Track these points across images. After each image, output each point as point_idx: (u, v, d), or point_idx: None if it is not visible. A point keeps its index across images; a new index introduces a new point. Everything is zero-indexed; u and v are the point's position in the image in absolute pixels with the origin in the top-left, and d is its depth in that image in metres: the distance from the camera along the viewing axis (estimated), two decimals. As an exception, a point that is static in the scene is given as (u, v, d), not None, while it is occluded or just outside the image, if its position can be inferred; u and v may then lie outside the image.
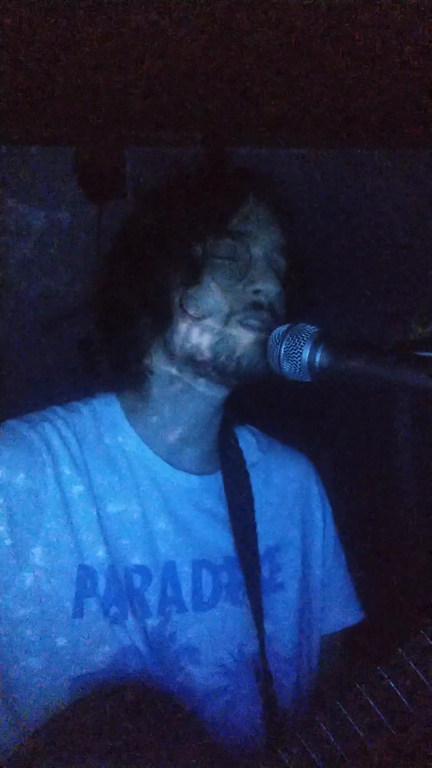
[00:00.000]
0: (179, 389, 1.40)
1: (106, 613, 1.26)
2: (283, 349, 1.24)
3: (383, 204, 2.70)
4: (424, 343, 1.12)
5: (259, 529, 1.44)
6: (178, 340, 1.37)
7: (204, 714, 1.26)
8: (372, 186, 2.68)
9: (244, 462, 1.51)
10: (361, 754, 1.09)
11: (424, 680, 1.08)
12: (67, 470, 1.32)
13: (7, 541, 1.26)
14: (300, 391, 1.32)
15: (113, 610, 1.27)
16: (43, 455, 1.31)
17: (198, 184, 1.45)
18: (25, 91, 2.20)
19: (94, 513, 1.31)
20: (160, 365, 1.41)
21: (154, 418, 1.42)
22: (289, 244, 1.44)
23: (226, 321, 1.34)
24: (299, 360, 1.21)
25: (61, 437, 1.35)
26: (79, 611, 1.25)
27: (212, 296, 1.35)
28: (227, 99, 2.24)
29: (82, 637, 1.25)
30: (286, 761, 1.11)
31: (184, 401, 1.41)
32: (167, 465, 1.40)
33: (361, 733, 1.09)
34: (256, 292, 1.35)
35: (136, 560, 1.31)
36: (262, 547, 1.43)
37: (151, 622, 1.29)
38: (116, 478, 1.36)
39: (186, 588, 1.33)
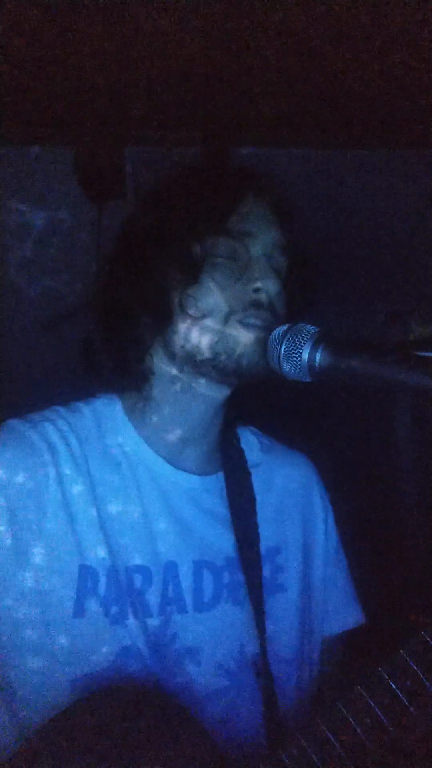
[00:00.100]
0: (180, 389, 1.40)
1: (106, 613, 1.26)
2: (283, 349, 1.24)
3: (383, 204, 2.70)
4: (424, 343, 1.11)
5: (261, 529, 1.44)
6: (178, 340, 1.37)
7: (204, 715, 1.25)
8: (372, 186, 2.68)
9: (245, 462, 1.51)
10: (362, 754, 1.09)
11: (425, 681, 1.08)
12: (68, 470, 1.32)
13: (8, 542, 1.26)
14: (300, 391, 1.32)
15: (114, 610, 1.27)
16: (45, 455, 1.31)
17: (196, 184, 1.44)
18: (25, 91, 2.20)
19: (95, 513, 1.31)
20: (161, 365, 1.41)
21: (155, 419, 1.42)
22: (290, 242, 1.44)
23: (226, 320, 1.34)
24: (299, 360, 1.21)
25: (63, 437, 1.35)
26: (79, 611, 1.25)
27: (211, 296, 1.34)
28: (227, 99, 2.24)
29: (82, 637, 1.24)
30: (286, 761, 1.11)
31: (184, 401, 1.40)
32: (168, 465, 1.40)
33: (361, 734, 1.09)
34: (256, 290, 1.35)
35: (137, 560, 1.31)
36: (263, 548, 1.43)
37: (152, 623, 1.29)
38: (117, 478, 1.36)
39: (187, 588, 1.33)
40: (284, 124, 2.41)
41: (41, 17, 1.81)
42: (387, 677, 1.09)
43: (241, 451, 1.53)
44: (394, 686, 1.09)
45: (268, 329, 1.33)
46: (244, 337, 1.33)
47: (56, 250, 2.65)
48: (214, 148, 2.43)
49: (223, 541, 1.39)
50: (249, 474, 1.49)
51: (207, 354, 1.34)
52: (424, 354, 1.09)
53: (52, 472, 1.30)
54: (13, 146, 2.58)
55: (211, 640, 1.32)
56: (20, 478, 1.28)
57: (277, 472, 1.55)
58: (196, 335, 1.34)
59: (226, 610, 1.35)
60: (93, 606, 1.26)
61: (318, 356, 1.19)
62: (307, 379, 1.23)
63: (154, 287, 1.38)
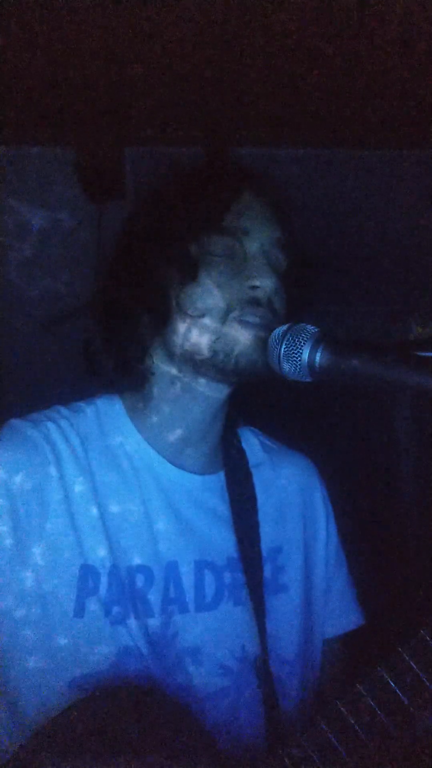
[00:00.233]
0: (180, 389, 1.40)
1: (107, 613, 1.26)
2: (283, 349, 1.24)
3: (383, 204, 2.71)
4: (424, 343, 1.11)
5: (262, 529, 1.44)
6: (177, 339, 1.36)
7: (205, 715, 1.25)
8: (372, 186, 2.69)
9: (246, 462, 1.51)
10: (362, 753, 1.09)
11: (424, 679, 1.08)
12: (69, 469, 1.32)
13: (9, 541, 1.25)
14: (300, 391, 1.32)
15: (115, 610, 1.26)
16: (47, 455, 1.31)
17: (192, 183, 1.44)
18: (25, 91, 2.20)
19: (97, 512, 1.30)
20: (161, 365, 1.41)
21: (156, 418, 1.41)
22: (288, 239, 1.43)
23: (224, 318, 1.33)
24: (299, 360, 1.21)
25: (65, 437, 1.35)
26: (80, 611, 1.25)
27: (209, 294, 1.34)
28: (227, 99, 2.24)
29: (83, 637, 1.24)
30: (287, 761, 1.11)
31: (185, 401, 1.40)
32: (170, 465, 1.39)
33: (361, 733, 1.09)
34: (253, 288, 1.34)
35: (139, 560, 1.31)
36: (264, 548, 1.42)
37: (153, 622, 1.28)
38: (119, 478, 1.36)
39: (188, 588, 1.33)
40: (284, 124, 2.41)
41: (41, 18, 1.81)
42: (386, 676, 1.09)
43: (242, 451, 1.52)
44: (393, 685, 1.09)
45: (266, 327, 1.32)
46: (242, 336, 1.33)
47: (56, 250, 2.65)
48: (214, 148, 2.43)
49: (224, 541, 1.39)
50: (250, 474, 1.49)
51: (206, 353, 1.34)
52: (424, 354, 1.09)
53: (53, 471, 1.30)
54: (13, 146, 2.58)
55: (212, 640, 1.32)
56: (22, 478, 1.28)
57: (279, 473, 1.55)
58: (195, 334, 1.34)
59: (227, 610, 1.35)
60: (93, 606, 1.26)
61: (318, 356, 1.19)
62: (307, 379, 1.23)
63: (152, 287, 1.38)
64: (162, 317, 1.37)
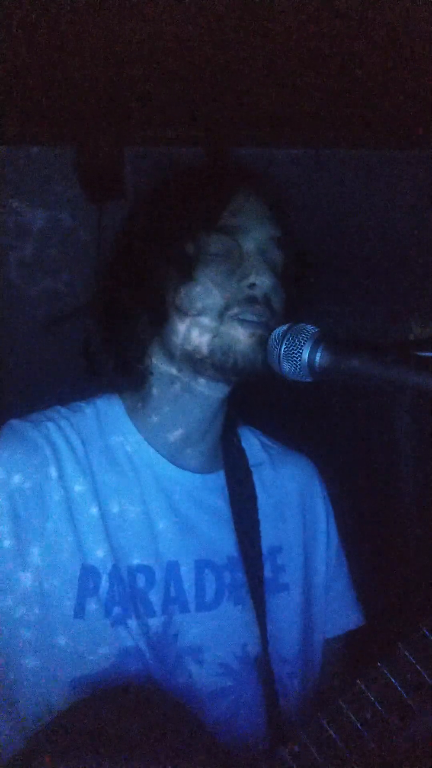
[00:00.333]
0: (180, 389, 1.40)
1: (108, 613, 1.26)
2: (283, 349, 1.24)
3: (383, 204, 2.71)
4: (424, 343, 1.11)
5: (262, 528, 1.44)
6: (175, 338, 1.36)
7: (207, 714, 1.25)
8: (372, 186, 2.69)
9: (246, 461, 1.51)
10: (363, 749, 1.09)
11: (425, 675, 1.08)
12: (70, 470, 1.32)
13: (8, 542, 1.25)
14: (300, 391, 1.32)
15: (116, 610, 1.26)
16: (47, 455, 1.31)
17: (188, 182, 1.44)
18: (25, 91, 2.20)
19: (97, 512, 1.30)
20: (160, 365, 1.41)
21: (156, 418, 1.41)
22: (285, 237, 1.43)
23: (221, 317, 1.33)
24: (299, 360, 1.21)
25: (65, 437, 1.35)
26: (80, 612, 1.25)
27: (206, 293, 1.34)
28: (227, 99, 2.24)
29: (83, 638, 1.24)
30: (288, 759, 1.11)
31: (184, 401, 1.40)
32: (170, 464, 1.39)
33: (362, 729, 1.09)
34: (251, 285, 1.34)
35: (140, 560, 1.31)
36: (264, 547, 1.42)
37: (154, 622, 1.28)
38: (119, 478, 1.36)
39: (189, 588, 1.33)
40: (284, 124, 2.41)
41: (41, 17, 1.81)
42: (387, 672, 1.09)
43: (242, 450, 1.52)
44: (393, 681, 1.09)
45: (264, 325, 1.32)
46: (240, 334, 1.32)
47: (56, 250, 2.65)
48: (214, 148, 2.43)
49: (224, 540, 1.39)
50: (250, 473, 1.49)
51: (204, 352, 1.34)
52: (424, 354, 1.09)
53: (53, 471, 1.30)
54: (13, 146, 2.58)
55: (213, 640, 1.32)
56: (21, 478, 1.28)
57: (279, 472, 1.55)
58: (193, 333, 1.34)
59: (228, 610, 1.35)
60: (94, 607, 1.25)
61: (318, 356, 1.19)
62: (308, 379, 1.23)
63: (149, 286, 1.38)
64: (160, 317, 1.37)
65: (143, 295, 1.38)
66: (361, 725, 1.09)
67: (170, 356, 1.38)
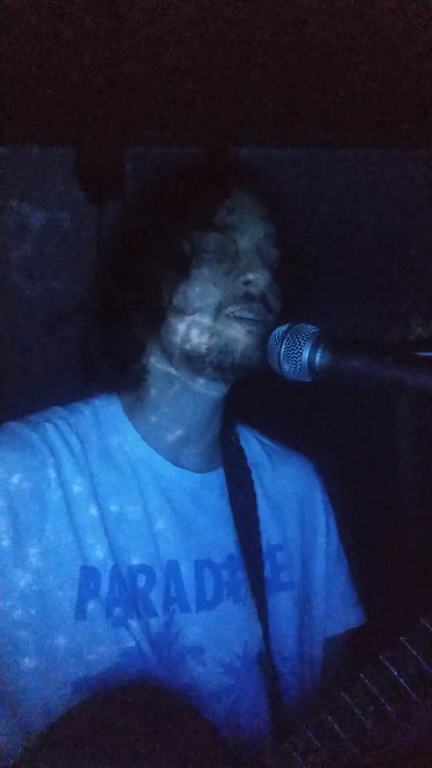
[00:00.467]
0: (178, 389, 1.40)
1: (109, 614, 1.26)
2: (283, 349, 1.23)
3: (383, 204, 2.71)
4: (424, 343, 1.11)
5: (261, 526, 1.44)
6: (172, 337, 1.36)
7: (210, 713, 1.24)
8: (372, 186, 2.69)
9: (245, 459, 1.51)
10: (368, 742, 1.09)
11: (426, 667, 1.08)
12: (68, 470, 1.32)
13: (6, 542, 1.25)
14: (300, 391, 1.32)
15: (117, 611, 1.26)
16: (45, 456, 1.31)
17: (183, 180, 1.44)
18: (25, 91, 2.21)
19: (97, 512, 1.30)
20: (158, 365, 1.41)
21: (155, 418, 1.41)
22: (280, 234, 1.43)
23: (217, 315, 1.33)
24: (299, 360, 1.21)
25: (63, 437, 1.35)
26: (81, 613, 1.25)
27: (202, 291, 1.34)
28: (227, 99, 2.24)
29: (84, 640, 1.24)
30: (293, 753, 1.11)
31: (184, 400, 1.40)
32: (169, 464, 1.39)
33: (366, 722, 1.09)
34: (246, 283, 1.34)
35: (140, 560, 1.31)
36: (264, 545, 1.42)
37: (156, 622, 1.28)
38: (118, 478, 1.35)
39: (189, 587, 1.33)
40: (284, 124, 2.41)
41: (42, 18, 1.81)
42: (389, 665, 1.09)
43: (240, 449, 1.52)
44: (396, 673, 1.09)
45: (261, 322, 1.32)
46: (236, 332, 1.32)
47: (56, 250, 2.65)
48: (215, 148, 2.43)
49: (224, 539, 1.39)
50: (249, 471, 1.49)
51: (201, 350, 1.34)
52: (424, 354, 1.09)
53: (52, 472, 1.30)
54: (13, 146, 2.58)
55: (214, 639, 1.31)
56: (20, 479, 1.28)
57: (278, 471, 1.55)
58: (190, 332, 1.34)
59: (228, 609, 1.35)
60: (94, 608, 1.25)
61: (318, 356, 1.19)
62: (307, 379, 1.23)
63: (145, 285, 1.38)
64: (156, 316, 1.36)
65: (139, 294, 1.38)
66: (364, 718, 1.09)
67: (168, 355, 1.38)
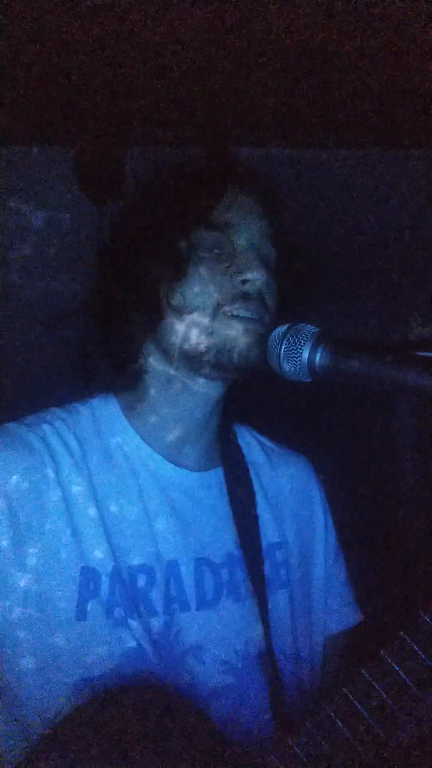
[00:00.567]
0: (178, 388, 1.40)
1: (109, 615, 1.26)
2: (283, 349, 1.24)
3: (383, 204, 2.71)
4: (424, 343, 1.12)
5: (260, 525, 1.44)
6: (170, 337, 1.36)
7: (211, 712, 1.25)
8: (372, 186, 2.69)
9: (243, 458, 1.51)
10: (371, 738, 1.09)
11: (428, 662, 1.08)
12: (67, 470, 1.32)
13: (5, 542, 1.25)
14: (300, 391, 1.32)
15: (117, 611, 1.26)
16: (43, 456, 1.31)
17: (179, 179, 1.44)
18: (25, 91, 2.21)
19: (96, 513, 1.30)
20: (156, 364, 1.41)
21: (153, 417, 1.41)
22: (277, 232, 1.43)
23: (215, 314, 1.33)
24: (299, 360, 1.21)
25: (61, 438, 1.35)
26: (81, 614, 1.25)
27: (199, 290, 1.34)
28: (227, 99, 2.24)
29: (84, 640, 1.24)
30: (297, 750, 1.12)
31: (183, 400, 1.40)
32: (168, 463, 1.39)
33: (368, 718, 1.09)
34: (244, 282, 1.34)
35: (140, 560, 1.31)
36: (263, 543, 1.43)
37: (156, 622, 1.28)
38: (117, 478, 1.36)
39: (189, 587, 1.33)
40: (284, 124, 2.41)
41: (42, 18, 1.81)
42: (390, 660, 1.10)
43: (238, 448, 1.52)
44: (397, 668, 1.09)
45: (258, 321, 1.33)
46: (234, 330, 1.32)
47: (56, 250, 2.65)
48: (214, 148, 2.43)
49: (223, 538, 1.39)
50: (247, 470, 1.49)
51: (199, 349, 1.34)
52: (424, 354, 1.09)
53: (51, 472, 1.30)
54: (13, 146, 2.58)
55: (214, 638, 1.32)
56: (19, 479, 1.28)
57: (276, 470, 1.55)
58: (187, 331, 1.34)
59: (227, 607, 1.35)
60: (95, 609, 1.25)
61: (318, 356, 1.19)
62: (307, 379, 1.23)
63: (142, 285, 1.38)
64: (154, 315, 1.36)
65: (137, 294, 1.38)
66: (367, 713, 1.09)
67: (166, 355, 1.38)
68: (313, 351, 1.19)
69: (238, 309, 1.33)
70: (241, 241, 1.37)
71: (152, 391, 1.41)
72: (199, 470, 1.42)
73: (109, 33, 1.88)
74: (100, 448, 1.38)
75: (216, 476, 1.44)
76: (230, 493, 1.43)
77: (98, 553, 1.27)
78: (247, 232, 1.38)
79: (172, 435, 1.41)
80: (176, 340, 1.35)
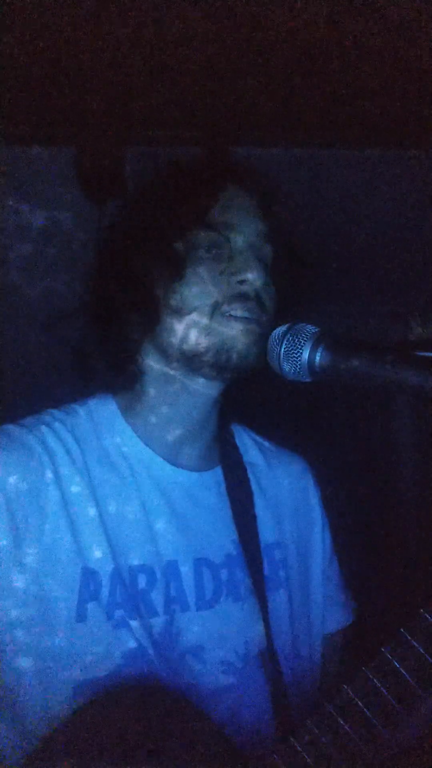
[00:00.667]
0: (175, 388, 1.40)
1: (109, 616, 1.25)
2: (283, 349, 1.24)
3: (383, 204, 2.70)
4: (424, 343, 1.12)
5: (259, 525, 1.44)
6: (167, 337, 1.36)
7: (212, 712, 1.25)
8: (372, 186, 2.68)
9: (240, 457, 1.51)
10: (374, 735, 1.10)
11: (428, 658, 1.09)
12: (66, 471, 1.32)
13: (3, 541, 1.25)
14: (300, 391, 1.32)
15: (118, 613, 1.26)
16: (42, 457, 1.31)
17: (176, 180, 1.44)
18: (25, 91, 2.20)
19: (96, 513, 1.30)
20: (153, 364, 1.41)
21: (151, 417, 1.41)
22: (274, 231, 1.43)
23: (213, 314, 1.33)
24: (299, 360, 1.21)
25: (60, 439, 1.35)
26: (82, 616, 1.24)
27: (196, 290, 1.34)
28: (227, 99, 2.24)
29: (85, 642, 1.23)
30: (299, 749, 1.12)
31: (180, 400, 1.40)
32: (166, 463, 1.39)
33: (369, 715, 1.10)
34: (241, 282, 1.35)
35: (140, 560, 1.31)
36: (262, 543, 1.43)
37: (157, 622, 1.28)
38: (116, 478, 1.36)
39: (188, 587, 1.33)
40: (284, 124, 2.41)
41: (41, 17, 1.81)
42: (391, 657, 1.10)
43: (236, 447, 1.53)
44: (398, 665, 1.09)
45: (256, 321, 1.33)
46: (232, 331, 1.32)
47: (56, 250, 2.65)
48: (213, 148, 2.43)
49: (222, 538, 1.39)
50: (245, 469, 1.49)
51: (198, 349, 1.34)
52: (424, 354, 1.09)
53: (50, 473, 1.30)
54: (13, 146, 2.58)
55: (214, 638, 1.32)
56: (17, 480, 1.28)
57: (273, 470, 1.55)
58: (185, 332, 1.34)
59: (227, 607, 1.35)
60: (95, 610, 1.25)
61: (318, 356, 1.19)
62: (307, 379, 1.23)
63: (140, 285, 1.38)
64: (151, 315, 1.37)
65: (134, 294, 1.38)
66: (369, 711, 1.10)
67: (163, 354, 1.38)
68: (313, 351, 1.20)
69: (236, 309, 1.33)
70: (238, 241, 1.37)
71: (151, 391, 1.41)
72: (197, 470, 1.42)
73: (110, 33, 1.87)
74: (99, 448, 1.38)
75: (215, 476, 1.44)
76: (229, 494, 1.43)
77: (98, 553, 1.27)
78: (245, 232, 1.38)
79: (171, 435, 1.41)
80: (175, 340, 1.35)
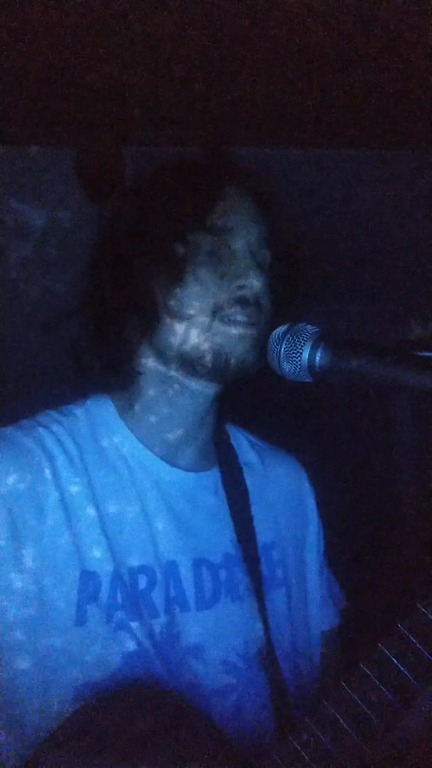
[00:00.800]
0: (171, 389, 1.39)
1: (110, 618, 1.25)
2: (283, 349, 1.23)
3: (384, 204, 2.71)
4: (424, 343, 1.12)
5: (256, 525, 1.44)
6: (165, 339, 1.36)
7: (213, 712, 1.25)
8: (372, 186, 2.69)
9: (236, 457, 1.51)
10: (373, 732, 1.09)
11: (425, 653, 1.08)
12: (65, 471, 1.31)
13: (2, 541, 1.24)
14: (300, 391, 1.32)
15: (118, 614, 1.25)
16: (40, 458, 1.30)
17: (175, 181, 1.43)
18: (25, 91, 2.21)
19: (95, 513, 1.30)
20: (151, 366, 1.40)
21: (148, 418, 1.41)
22: (273, 235, 1.43)
23: (212, 318, 1.33)
24: (299, 360, 1.21)
25: (58, 440, 1.34)
26: (82, 618, 1.24)
27: (196, 294, 1.33)
28: (227, 99, 2.25)
29: (85, 643, 1.23)
30: (299, 748, 1.11)
31: (179, 400, 1.40)
32: (165, 464, 1.39)
33: (368, 711, 1.09)
34: (240, 287, 1.34)
35: (140, 561, 1.31)
36: (259, 543, 1.43)
37: (158, 623, 1.28)
38: (115, 479, 1.35)
39: (188, 587, 1.33)
40: (284, 124, 2.41)
41: (42, 19, 1.81)
42: (388, 653, 1.10)
43: (231, 447, 1.53)
44: (395, 661, 1.09)
45: (254, 325, 1.32)
46: (230, 335, 1.32)
47: (56, 250, 2.65)
48: (213, 149, 2.43)
49: (221, 538, 1.39)
50: (241, 470, 1.49)
51: (195, 353, 1.34)
52: (424, 354, 1.09)
53: (48, 474, 1.30)
54: (13, 146, 2.58)
55: (214, 638, 1.31)
56: (16, 480, 1.27)
57: (268, 470, 1.55)
58: (184, 335, 1.34)
59: (226, 607, 1.35)
60: (95, 612, 1.24)
61: (318, 356, 1.19)
62: (307, 379, 1.23)
63: (138, 288, 1.37)
64: (149, 318, 1.36)
65: (132, 297, 1.38)
66: (368, 708, 1.09)
67: (161, 356, 1.38)
68: (313, 351, 1.19)
69: (235, 314, 1.32)
70: (238, 245, 1.37)
71: (149, 392, 1.41)
72: (195, 471, 1.42)
73: (110, 33, 1.88)
74: (97, 449, 1.37)
75: (212, 477, 1.44)
76: (226, 494, 1.43)
77: (97, 554, 1.27)
78: (243, 236, 1.37)
79: (170, 435, 1.41)
80: (173, 342, 1.35)
